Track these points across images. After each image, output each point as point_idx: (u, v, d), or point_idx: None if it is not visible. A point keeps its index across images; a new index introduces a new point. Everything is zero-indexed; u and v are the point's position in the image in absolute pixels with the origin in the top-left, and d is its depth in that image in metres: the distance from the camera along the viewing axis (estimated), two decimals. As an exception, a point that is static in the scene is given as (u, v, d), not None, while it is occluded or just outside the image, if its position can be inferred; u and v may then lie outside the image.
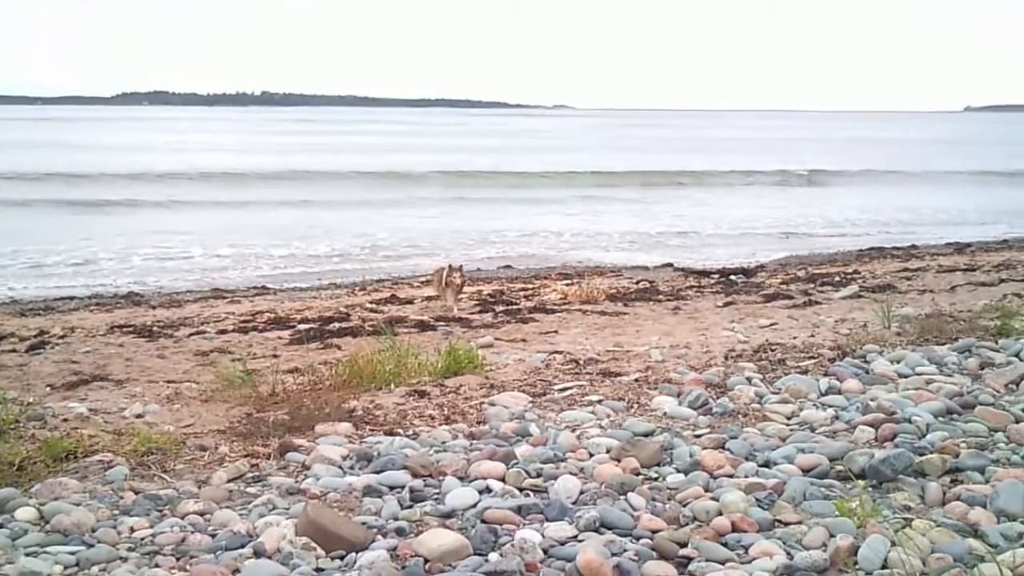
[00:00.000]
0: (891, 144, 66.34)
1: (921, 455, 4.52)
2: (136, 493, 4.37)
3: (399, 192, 29.33)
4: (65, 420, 5.80)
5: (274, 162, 38.17)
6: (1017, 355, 6.60)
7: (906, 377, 6.20)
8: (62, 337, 9.22)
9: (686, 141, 67.47)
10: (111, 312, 11.32)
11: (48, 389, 6.92)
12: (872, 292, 11.23)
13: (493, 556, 3.54)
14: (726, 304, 10.82)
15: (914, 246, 18.28)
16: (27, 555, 3.59)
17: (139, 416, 5.97)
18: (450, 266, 10.85)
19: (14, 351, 8.54)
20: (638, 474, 4.50)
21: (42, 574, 3.40)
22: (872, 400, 5.58)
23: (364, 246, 18.49)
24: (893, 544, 3.48)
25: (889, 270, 14.05)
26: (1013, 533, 3.65)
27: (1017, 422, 5.09)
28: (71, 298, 12.77)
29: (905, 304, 9.99)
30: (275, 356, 8.18)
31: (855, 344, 7.42)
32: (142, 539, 3.84)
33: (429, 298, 11.41)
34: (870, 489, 4.22)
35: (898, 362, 6.56)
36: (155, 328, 9.76)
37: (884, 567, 3.37)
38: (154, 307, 11.81)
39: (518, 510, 4.00)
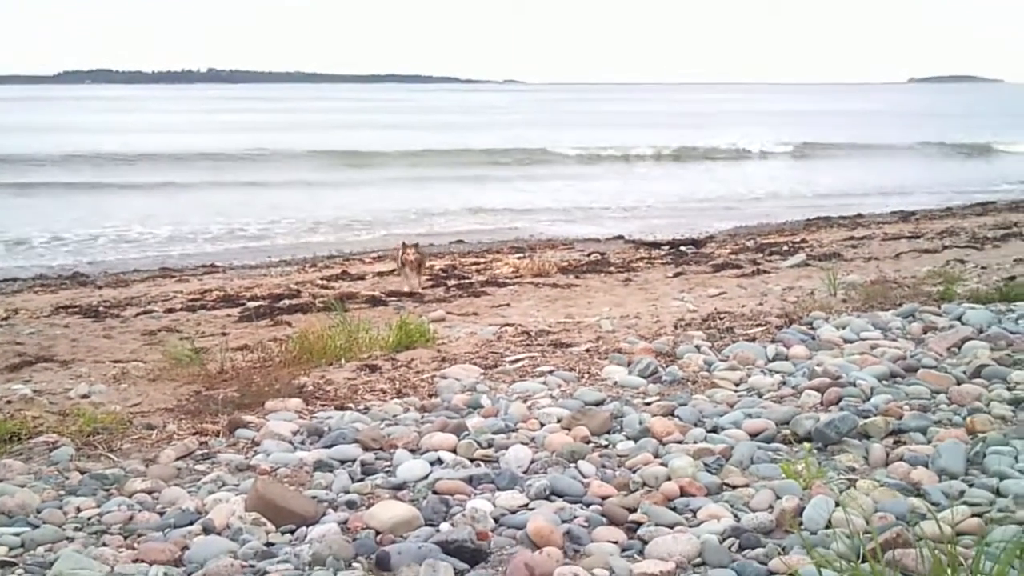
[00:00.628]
0: (839, 116, 67.06)
1: (865, 418, 4.60)
2: (82, 473, 4.30)
3: (346, 172, 28.96)
4: (9, 402, 5.70)
5: (218, 141, 37.49)
6: (959, 319, 6.73)
7: (851, 342, 6.29)
8: (5, 319, 9.06)
9: (636, 116, 67.66)
10: (56, 293, 11.14)
11: (-10, 371, 6.79)
12: (819, 260, 11.39)
13: (444, 526, 3.54)
14: (676, 275, 10.91)
15: (860, 215, 18.52)
16: (-30, 538, 3.53)
17: (85, 396, 5.88)
18: (404, 244, 10.47)
19: (-45, 334, 8.36)
20: (588, 442, 4.53)
21: (-14, 556, 3.35)
22: (818, 365, 5.65)
23: (314, 223, 18.36)
24: (837, 504, 3.54)
25: (836, 239, 14.24)
26: (954, 491, 3.73)
27: (959, 384, 5.19)
28: (14, 279, 12.55)
29: (851, 272, 10.15)
30: (224, 334, 8.10)
31: (802, 311, 7.52)
32: (89, 519, 3.78)
33: (380, 273, 11.36)
34: (815, 452, 4.29)
35: (844, 328, 6.66)
36: (101, 308, 9.61)
37: (828, 527, 3.43)
38: (100, 287, 11.64)
39: (469, 480, 4.00)
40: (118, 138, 38.37)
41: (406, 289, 10.03)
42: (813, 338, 6.47)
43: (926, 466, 4.01)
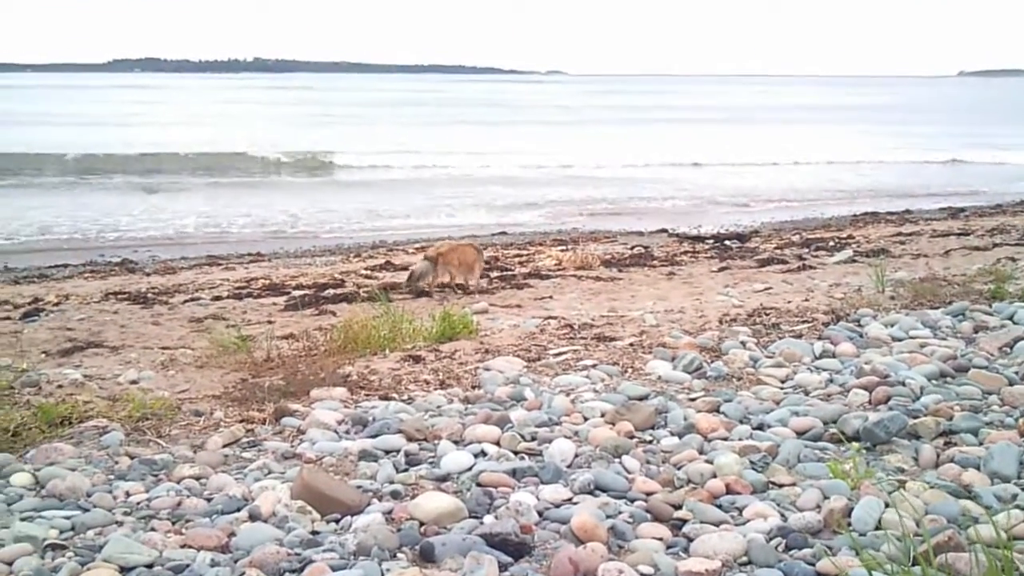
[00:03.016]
0: (887, 111, 66.07)
1: (915, 417, 4.53)
2: (131, 458, 4.36)
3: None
4: (60, 386, 5.79)
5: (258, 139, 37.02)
6: (1010, 318, 6.61)
7: (900, 340, 6.20)
8: (56, 304, 9.21)
9: (683, 110, 67.10)
10: (105, 279, 11.31)
11: (43, 356, 6.91)
12: (866, 256, 11.25)
13: (488, 518, 3.54)
14: (720, 269, 10.83)
15: (908, 211, 18.29)
16: (22, 520, 3.58)
17: (134, 382, 5.97)
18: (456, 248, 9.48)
19: (8, 318, 8.53)
20: (632, 437, 4.50)
21: (37, 538, 3.39)
22: (866, 363, 5.58)
23: (355, 216, 18.47)
24: (887, 505, 3.49)
25: (883, 235, 14.06)
26: (1007, 495, 3.66)
27: (1011, 385, 5.09)
28: (65, 266, 12.76)
29: (899, 268, 10.00)
30: (270, 322, 8.17)
31: (849, 308, 7.42)
32: (138, 503, 3.83)
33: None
34: (864, 451, 4.22)
35: (892, 326, 6.56)
36: (150, 295, 9.74)
37: (878, 528, 3.38)
38: (148, 274, 11.81)
39: (513, 473, 4.00)
40: (148, 134, 38.05)
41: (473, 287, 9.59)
42: (861, 335, 6.39)
43: (977, 468, 3.95)
